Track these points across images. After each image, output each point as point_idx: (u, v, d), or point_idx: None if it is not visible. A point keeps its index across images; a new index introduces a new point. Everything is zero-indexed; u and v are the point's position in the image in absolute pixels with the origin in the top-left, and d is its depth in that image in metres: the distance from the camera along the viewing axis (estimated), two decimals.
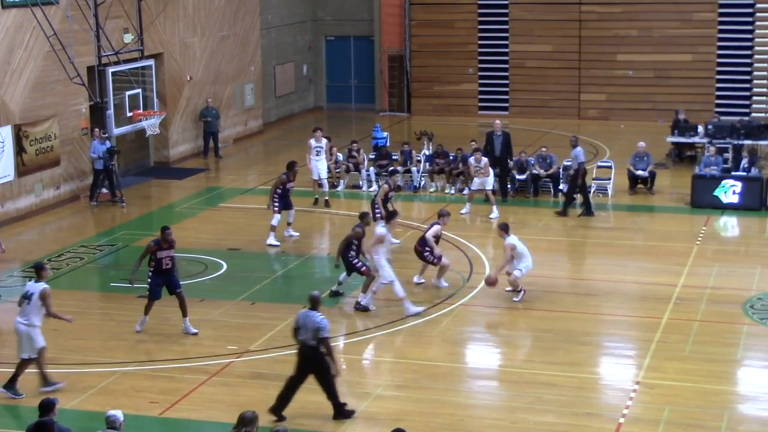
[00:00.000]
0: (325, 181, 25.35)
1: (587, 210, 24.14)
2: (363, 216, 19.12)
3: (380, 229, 18.27)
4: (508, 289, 18.57)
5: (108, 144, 25.46)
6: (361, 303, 18.06)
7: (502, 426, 13.86)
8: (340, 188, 26.62)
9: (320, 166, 25.09)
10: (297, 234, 22.42)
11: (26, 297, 14.75)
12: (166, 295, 17.08)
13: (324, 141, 25.43)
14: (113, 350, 16.53)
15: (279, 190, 21.91)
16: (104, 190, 26.02)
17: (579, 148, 24.31)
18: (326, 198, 25.22)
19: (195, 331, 17.08)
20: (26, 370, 14.83)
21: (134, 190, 27.03)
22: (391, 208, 21.34)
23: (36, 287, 14.76)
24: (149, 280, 17.01)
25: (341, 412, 13.98)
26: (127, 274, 18.05)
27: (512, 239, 18.53)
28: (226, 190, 27.29)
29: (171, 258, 16.99)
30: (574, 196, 24.36)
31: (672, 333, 16.96)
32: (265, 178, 28.46)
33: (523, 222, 23.87)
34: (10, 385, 14.72)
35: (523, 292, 18.46)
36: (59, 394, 13.92)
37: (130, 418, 13.60)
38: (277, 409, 13.89)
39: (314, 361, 13.88)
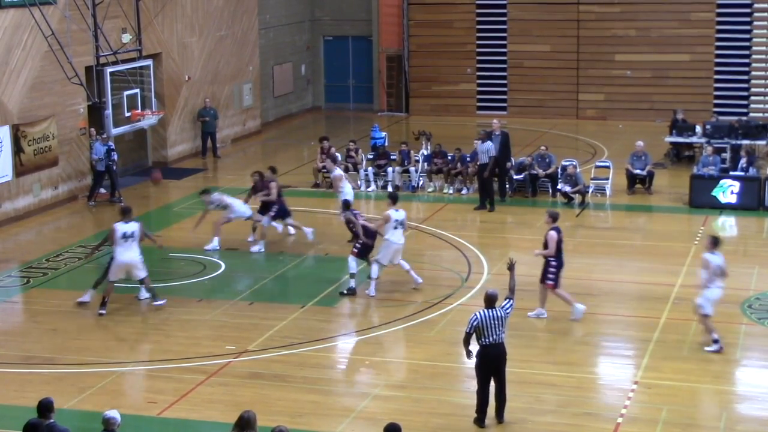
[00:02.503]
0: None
1: (491, 205, 24.63)
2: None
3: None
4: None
5: (110, 144, 25.53)
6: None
7: (500, 426, 13.86)
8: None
9: (347, 190, 23.09)
10: (258, 243, 21.72)
11: (128, 236, 17.85)
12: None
13: (337, 171, 23.34)
14: (112, 350, 16.53)
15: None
16: (102, 191, 26.07)
17: (489, 143, 24.72)
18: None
19: (145, 296, 18.31)
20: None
21: (132, 189, 27.02)
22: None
23: (135, 225, 18.03)
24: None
25: (502, 414, 13.78)
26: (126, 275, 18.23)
27: None
28: (224, 190, 27.24)
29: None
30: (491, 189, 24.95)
31: (670, 333, 16.97)
32: None
33: (522, 222, 23.90)
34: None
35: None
36: (56, 395, 13.91)
37: (129, 417, 13.61)
38: (483, 419, 13.68)
39: (503, 356, 13.70)
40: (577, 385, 15.12)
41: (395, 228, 18.61)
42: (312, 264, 21.37)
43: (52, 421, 11.07)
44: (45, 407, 11.17)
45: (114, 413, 11.04)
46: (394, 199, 19.12)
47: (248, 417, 10.93)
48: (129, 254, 17.85)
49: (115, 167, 25.66)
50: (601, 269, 20.71)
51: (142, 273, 18.05)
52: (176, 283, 19.70)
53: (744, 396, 14.95)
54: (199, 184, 28.05)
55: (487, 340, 13.60)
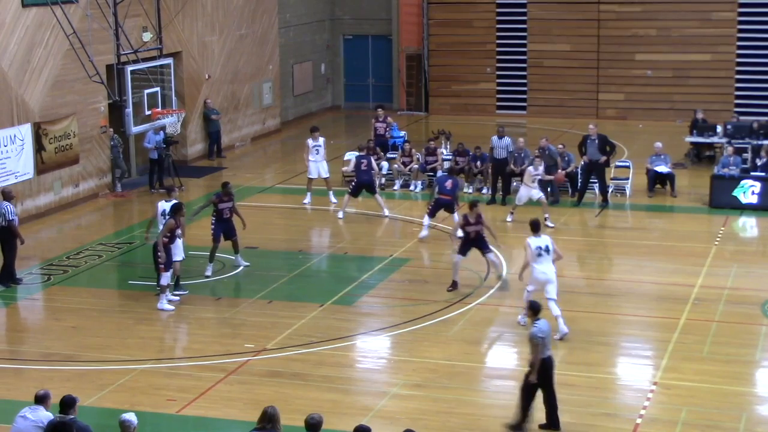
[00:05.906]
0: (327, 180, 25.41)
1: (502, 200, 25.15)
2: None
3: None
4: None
5: (162, 134, 25.92)
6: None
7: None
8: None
9: (320, 166, 25.27)
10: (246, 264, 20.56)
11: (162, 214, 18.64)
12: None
13: (321, 140, 25.49)
14: (131, 348, 16.59)
15: (214, 214, 20.29)
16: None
17: (507, 138, 25.16)
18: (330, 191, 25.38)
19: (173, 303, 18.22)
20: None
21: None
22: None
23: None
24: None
25: (556, 424, 13.49)
26: (146, 272, 18.26)
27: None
28: (243, 188, 27.31)
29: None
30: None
31: (690, 334, 16.91)
32: (283, 177, 28.55)
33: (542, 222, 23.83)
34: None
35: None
36: (77, 392, 13.97)
37: (148, 415, 13.70)
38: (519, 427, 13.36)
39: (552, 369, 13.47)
40: (596, 386, 15.09)
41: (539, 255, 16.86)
42: (331, 263, 21.40)
43: (73, 417, 11.11)
44: (67, 404, 11.22)
45: (130, 416, 10.95)
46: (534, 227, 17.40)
47: (272, 413, 10.93)
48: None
49: (167, 156, 26.60)
50: (621, 269, 20.67)
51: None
52: (196, 281, 19.76)
53: (764, 397, 14.88)
54: (218, 182, 28.00)
55: (548, 352, 13.38)
